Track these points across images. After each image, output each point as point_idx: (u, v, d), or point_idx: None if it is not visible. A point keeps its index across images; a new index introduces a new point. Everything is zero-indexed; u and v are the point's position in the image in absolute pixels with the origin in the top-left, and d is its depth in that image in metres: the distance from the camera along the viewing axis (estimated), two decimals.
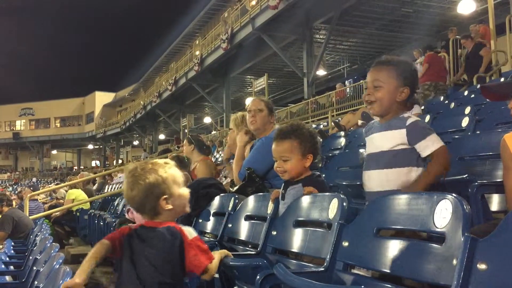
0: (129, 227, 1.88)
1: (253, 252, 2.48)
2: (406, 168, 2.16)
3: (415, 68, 2.29)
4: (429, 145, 2.13)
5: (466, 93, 8.06)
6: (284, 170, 2.44)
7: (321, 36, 19.32)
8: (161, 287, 1.77)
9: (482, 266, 1.25)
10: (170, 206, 1.84)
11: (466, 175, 2.32)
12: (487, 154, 2.68)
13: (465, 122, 4.13)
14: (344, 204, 1.99)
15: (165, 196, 1.83)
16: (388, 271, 1.61)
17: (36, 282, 2.63)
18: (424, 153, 2.15)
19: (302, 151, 2.43)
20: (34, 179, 41.24)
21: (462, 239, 1.32)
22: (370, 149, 2.33)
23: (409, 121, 2.18)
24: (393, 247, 1.62)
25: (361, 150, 3.90)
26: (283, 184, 2.56)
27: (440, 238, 1.45)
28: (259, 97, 4.23)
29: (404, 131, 2.17)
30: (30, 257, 3.85)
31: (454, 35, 10.96)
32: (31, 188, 10.95)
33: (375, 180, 2.24)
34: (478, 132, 3.76)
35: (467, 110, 4.95)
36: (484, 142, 2.77)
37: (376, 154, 2.26)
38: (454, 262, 1.31)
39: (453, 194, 1.47)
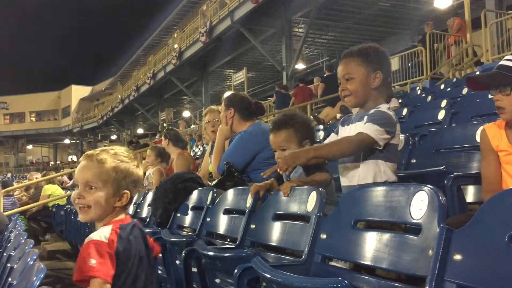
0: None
1: (231, 246, 2.47)
2: (373, 161, 2.06)
3: (383, 51, 2.18)
4: (366, 127, 2.01)
5: (442, 86, 8.19)
6: None
7: (300, 30, 19.33)
8: None
9: (457, 257, 1.26)
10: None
11: (443, 167, 2.34)
12: (463, 146, 2.72)
13: (441, 115, 4.20)
14: (323, 197, 1.99)
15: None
16: (366, 262, 1.62)
17: (9, 279, 2.58)
18: (357, 131, 2.04)
19: (299, 139, 2.46)
20: (9, 175, 40.48)
21: (438, 230, 1.33)
22: None
23: (373, 109, 2.09)
24: (371, 239, 1.63)
25: None
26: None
27: (416, 229, 1.46)
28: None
29: (366, 117, 2.07)
30: (4, 254, 3.77)
31: (430, 30, 11.11)
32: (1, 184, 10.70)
33: (348, 175, 2.15)
34: (454, 124, 3.82)
35: (443, 103, 5.02)
36: (460, 135, 2.81)
37: None
38: (430, 252, 1.32)
39: (429, 186, 1.49)
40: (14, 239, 3.99)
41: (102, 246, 1.55)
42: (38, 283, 1.77)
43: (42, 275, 1.80)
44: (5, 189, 8.90)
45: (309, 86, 14.49)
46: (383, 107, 2.11)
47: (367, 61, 2.12)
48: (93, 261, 1.51)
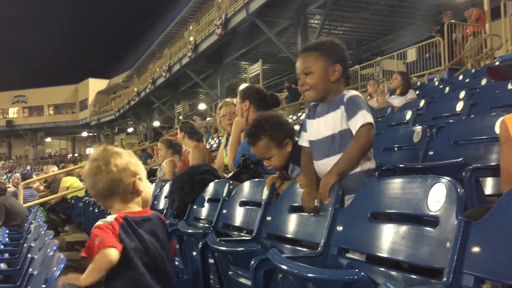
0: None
1: (248, 238, 2.48)
2: None
3: (339, 43, 2.19)
4: (358, 121, 2.01)
5: (460, 77, 8.07)
6: (273, 167, 2.52)
7: (315, 21, 19.18)
8: None
9: (475, 249, 1.25)
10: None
11: (461, 159, 2.31)
12: (482, 138, 2.68)
13: (459, 106, 4.14)
14: (339, 189, 1.98)
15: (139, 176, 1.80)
16: (382, 255, 1.61)
17: (30, 269, 2.63)
18: (354, 129, 2.03)
19: (278, 143, 2.46)
20: (28, 167, 41.10)
21: (456, 223, 1.32)
22: (314, 135, 2.19)
23: (346, 96, 2.09)
24: (387, 231, 1.62)
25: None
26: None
27: (433, 221, 1.45)
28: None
29: (343, 107, 2.08)
30: (25, 245, 3.85)
31: (448, 20, 10.94)
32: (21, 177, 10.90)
33: (325, 170, 2.10)
34: (473, 116, 3.76)
35: (462, 94, 4.95)
36: (479, 126, 2.77)
37: (321, 141, 2.15)
38: (448, 245, 1.32)
39: (447, 178, 1.47)
40: (34, 230, 4.06)
41: (106, 227, 1.64)
42: (58, 273, 1.81)
43: (62, 265, 1.83)
44: (25, 182, 9.06)
45: None
46: (353, 91, 2.13)
47: (325, 54, 2.12)
48: (98, 239, 1.60)
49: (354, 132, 2.03)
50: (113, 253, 1.58)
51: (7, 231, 5.37)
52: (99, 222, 1.68)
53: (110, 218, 1.69)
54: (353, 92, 2.12)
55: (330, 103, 2.14)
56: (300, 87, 2.20)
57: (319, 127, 2.17)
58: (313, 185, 2.10)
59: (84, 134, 56.16)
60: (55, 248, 2.40)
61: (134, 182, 1.75)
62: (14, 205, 6.36)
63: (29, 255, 3.08)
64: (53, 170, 10.68)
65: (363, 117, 2.01)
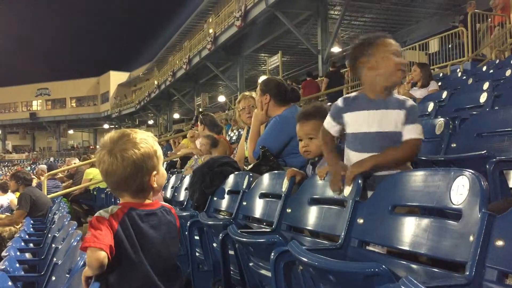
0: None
1: (268, 230, 2.49)
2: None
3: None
4: (414, 131, 2.05)
5: (484, 68, 7.92)
6: (309, 150, 2.58)
7: (336, 12, 18.98)
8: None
9: (499, 243, 1.23)
10: (155, 184, 1.66)
11: (485, 151, 2.27)
12: (506, 130, 2.64)
13: (483, 97, 4.06)
14: (360, 181, 1.97)
15: (155, 172, 1.65)
16: (404, 248, 1.60)
17: (55, 259, 2.68)
18: (405, 136, 2.05)
19: None
20: (51, 159, 41.82)
21: (479, 216, 1.31)
22: (357, 128, 2.15)
23: (409, 103, 2.11)
24: (409, 224, 1.61)
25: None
26: (310, 166, 2.62)
27: (456, 214, 1.43)
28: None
29: (403, 112, 2.07)
30: (49, 235, 3.93)
31: (472, 9, 10.72)
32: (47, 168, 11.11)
33: None
34: (497, 107, 3.69)
35: (486, 85, 4.86)
36: (503, 118, 2.72)
37: (368, 135, 2.11)
38: (471, 238, 1.30)
39: (471, 171, 1.45)
40: (58, 221, 4.14)
41: (102, 220, 1.54)
42: (82, 263, 1.84)
43: (85, 255, 1.86)
44: (49, 173, 9.23)
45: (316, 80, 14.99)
46: (410, 100, 2.18)
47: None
48: (89, 234, 1.50)
49: (404, 138, 2.04)
50: (102, 256, 1.47)
51: (32, 222, 5.49)
52: (98, 213, 1.57)
53: (111, 209, 1.59)
54: (414, 103, 2.17)
55: (383, 100, 2.12)
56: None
57: (365, 120, 2.12)
58: (339, 164, 2.15)
59: (106, 126, 56.80)
60: (78, 238, 2.45)
61: (150, 179, 1.63)
62: (38, 195, 6.49)
63: (53, 245, 3.15)
64: (75, 162, 10.86)
65: (419, 131, 2.07)
